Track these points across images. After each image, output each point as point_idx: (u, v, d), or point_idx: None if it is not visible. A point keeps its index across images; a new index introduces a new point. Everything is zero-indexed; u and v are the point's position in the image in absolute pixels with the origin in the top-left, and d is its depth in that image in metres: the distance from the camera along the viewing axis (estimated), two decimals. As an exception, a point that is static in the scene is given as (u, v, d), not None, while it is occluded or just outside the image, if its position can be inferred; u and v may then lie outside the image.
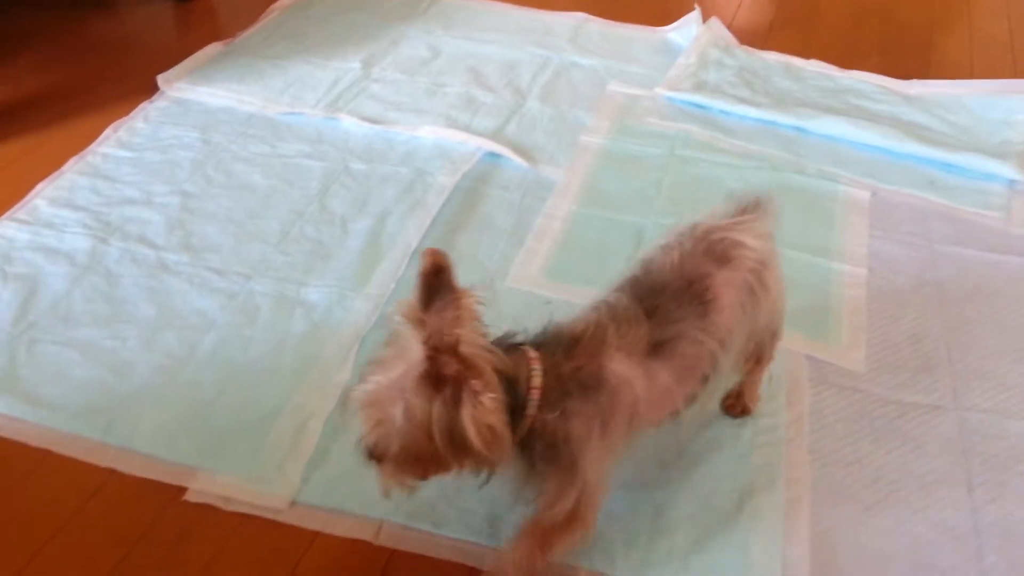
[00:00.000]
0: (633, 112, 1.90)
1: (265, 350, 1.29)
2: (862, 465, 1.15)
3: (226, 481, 1.10)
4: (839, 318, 1.38)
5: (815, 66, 2.09)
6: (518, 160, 1.72)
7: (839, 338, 1.34)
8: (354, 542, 1.04)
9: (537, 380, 0.85)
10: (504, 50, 2.14)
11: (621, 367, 0.89)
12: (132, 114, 1.83)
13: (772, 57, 2.13)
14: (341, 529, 1.05)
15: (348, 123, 1.83)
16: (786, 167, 1.73)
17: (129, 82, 1.96)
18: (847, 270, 1.48)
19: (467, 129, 1.81)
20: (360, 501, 1.07)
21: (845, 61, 2.12)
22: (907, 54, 2.24)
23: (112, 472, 1.11)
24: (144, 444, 1.14)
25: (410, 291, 1.34)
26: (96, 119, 1.82)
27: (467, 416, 0.78)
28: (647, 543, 1.05)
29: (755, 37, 2.25)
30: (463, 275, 1.34)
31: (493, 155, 1.74)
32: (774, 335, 1.11)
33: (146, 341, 1.30)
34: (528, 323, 1.31)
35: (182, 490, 1.09)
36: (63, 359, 1.26)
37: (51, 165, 1.67)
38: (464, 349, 0.78)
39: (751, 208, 1.03)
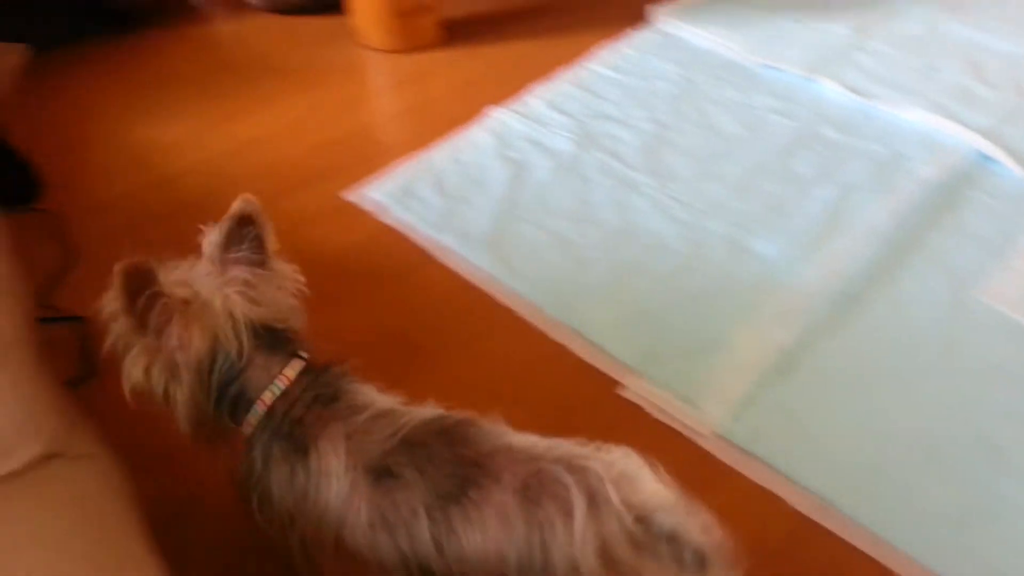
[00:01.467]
0: None
1: (711, 286, 1.33)
2: None
3: (658, 390, 1.16)
4: None
5: None
6: (1014, 168, 1.54)
7: None
8: (769, 495, 1.05)
9: (268, 396, 0.74)
10: (1012, 44, 1.90)
11: (332, 453, 0.71)
12: (621, 39, 1.96)
13: None
14: (758, 477, 1.06)
15: (826, 88, 1.77)
16: None
17: (619, 7, 2.09)
18: None
19: (958, 121, 1.66)
20: (786, 459, 1.07)
21: None
22: None
23: (563, 348, 1.24)
24: (593, 333, 1.25)
25: (868, 274, 1.29)
26: (586, 37, 1.97)
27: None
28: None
29: None
30: (925, 275, 1.25)
31: (984, 156, 1.58)
32: None
33: (607, 245, 1.40)
34: (996, 347, 1.21)
35: (617, 383, 1.18)
36: (537, 241, 1.41)
37: (547, 69, 1.85)
38: (172, 295, 0.71)
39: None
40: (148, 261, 0.72)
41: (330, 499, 0.71)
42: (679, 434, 1.12)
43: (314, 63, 1.86)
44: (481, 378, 1.21)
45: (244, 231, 0.78)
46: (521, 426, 1.12)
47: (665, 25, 2.00)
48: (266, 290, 0.77)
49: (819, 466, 1.07)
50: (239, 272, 0.76)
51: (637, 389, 1.17)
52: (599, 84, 1.80)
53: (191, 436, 0.78)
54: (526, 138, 1.64)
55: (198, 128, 1.66)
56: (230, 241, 0.78)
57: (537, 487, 0.67)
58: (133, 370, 0.73)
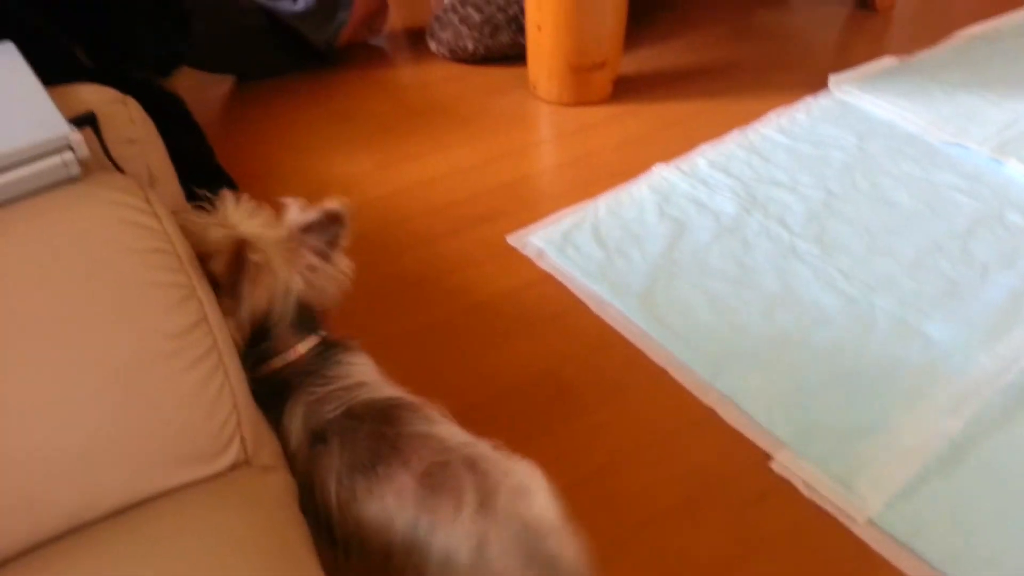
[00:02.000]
0: None
1: (874, 364, 1.28)
2: None
3: (811, 468, 1.12)
4: None
5: None
6: None
7: None
8: (924, 591, 0.99)
9: (278, 362, 0.85)
10: None
11: (293, 416, 0.82)
12: (795, 105, 1.93)
13: None
14: (913, 572, 1.00)
15: (1014, 169, 1.68)
16: None
17: (796, 74, 2.07)
18: None
19: None
20: (945, 557, 1.01)
21: None
22: None
23: (712, 413, 1.22)
24: (745, 401, 1.22)
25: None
26: (760, 100, 1.96)
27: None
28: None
29: None
30: None
31: None
32: None
33: (765, 312, 1.38)
34: None
35: (768, 456, 1.15)
36: (692, 300, 1.41)
37: (715, 130, 1.85)
38: (252, 257, 0.82)
39: None
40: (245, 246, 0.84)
41: (289, 449, 0.82)
42: (831, 516, 1.07)
43: (488, 111, 1.94)
44: (626, 432, 1.21)
45: (329, 226, 0.89)
46: (666, 491, 1.11)
47: (844, 94, 1.95)
48: (322, 278, 0.89)
49: (982, 568, 1.00)
50: (309, 257, 0.88)
51: (789, 465, 1.13)
52: (768, 148, 1.78)
53: None
54: (689, 197, 1.65)
55: (377, 165, 1.77)
56: (312, 228, 0.89)
57: (438, 476, 0.74)
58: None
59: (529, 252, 1.53)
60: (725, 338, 1.34)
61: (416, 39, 2.24)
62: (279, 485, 0.69)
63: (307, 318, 0.88)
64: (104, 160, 0.80)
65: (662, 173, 1.72)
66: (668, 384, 1.28)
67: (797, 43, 2.25)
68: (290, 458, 0.81)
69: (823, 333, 1.34)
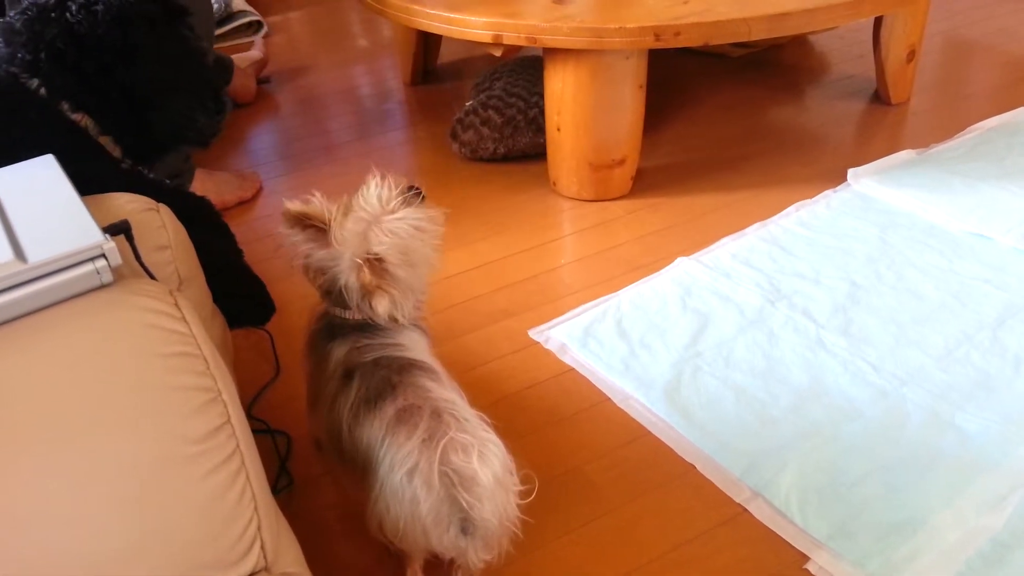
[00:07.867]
0: None
1: (909, 458, 1.24)
2: None
3: (849, 569, 1.08)
4: None
5: None
6: None
7: None
8: None
9: (347, 314, 1.05)
10: None
11: (335, 353, 1.03)
12: (815, 198, 1.95)
13: None
14: None
15: (1041, 259, 1.67)
16: None
17: (815, 168, 2.09)
18: None
19: None
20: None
21: None
22: None
23: (744, 511, 1.19)
24: (777, 498, 1.19)
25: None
26: (780, 195, 1.98)
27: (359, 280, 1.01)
28: None
29: None
30: None
31: None
32: None
33: (794, 406, 1.35)
34: None
35: (804, 557, 1.11)
36: (718, 394, 1.39)
37: (736, 224, 1.87)
38: (387, 269, 1.00)
39: None
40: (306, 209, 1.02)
41: (327, 371, 1.03)
42: (872, 622, 1.03)
43: (509, 207, 1.98)
44: (655, 532, 1.18)
45: (415, 197, 1.03)
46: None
47: (863, 187, 1.97)
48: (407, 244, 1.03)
49: None
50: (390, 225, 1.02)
51: (827, 566, 1.09)
52: (790, 241, 1.79)
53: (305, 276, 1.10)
54: (712, 290, 1.65)
55: (401, 261, 1.79)
56: (400, 204, 1.02)
57: (409, 413, 0.92)
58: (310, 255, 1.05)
59: (552, 346, 1.53)
60: (754, 432, 1.31)
61: (438, 141, 2.31)
62: (297, 594, 0.68)
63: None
64: (136, 266, 0.82)
65: (684, 266, 1.73)
66: (697, 480, 1.25)
67: (814, 138, 2.28)
68: (326, 379, 1.02)
69: (855, 427, 1.31)
